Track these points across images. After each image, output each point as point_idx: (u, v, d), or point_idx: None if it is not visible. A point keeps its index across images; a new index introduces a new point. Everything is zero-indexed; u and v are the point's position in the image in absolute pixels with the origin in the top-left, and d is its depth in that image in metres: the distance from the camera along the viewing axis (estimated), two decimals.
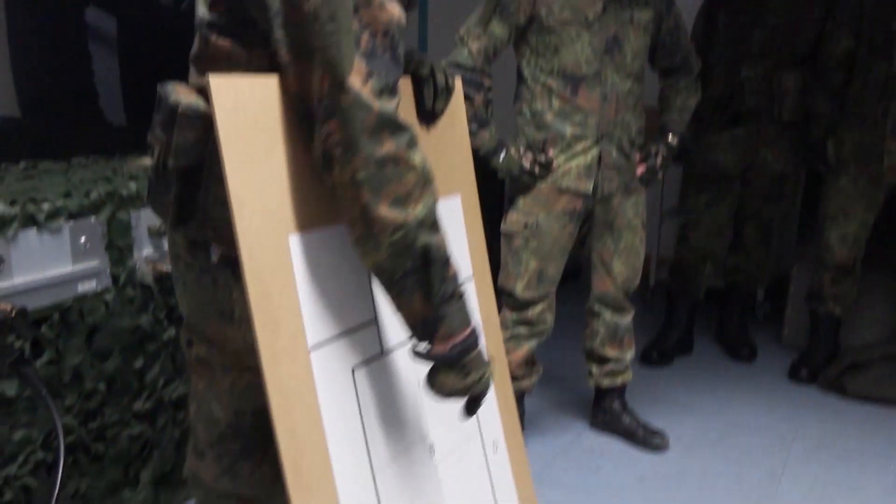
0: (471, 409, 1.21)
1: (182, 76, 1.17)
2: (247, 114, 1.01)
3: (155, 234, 1.93)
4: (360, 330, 1.17)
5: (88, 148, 2.47)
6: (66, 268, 1.76)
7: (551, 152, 2.22)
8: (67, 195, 1.79)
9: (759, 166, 3.02)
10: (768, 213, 3.13)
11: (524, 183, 2.26)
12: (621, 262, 2.38)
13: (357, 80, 0.98)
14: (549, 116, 2.21)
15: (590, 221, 2.36)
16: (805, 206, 3.40)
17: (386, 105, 1.00)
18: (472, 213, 1.50)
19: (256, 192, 1.02)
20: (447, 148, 1.41)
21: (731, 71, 2.95)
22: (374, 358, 1.20)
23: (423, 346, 1.12)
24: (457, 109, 1.44)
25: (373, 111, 0.98)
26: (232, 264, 1.08)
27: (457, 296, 1.10)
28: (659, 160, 2.35)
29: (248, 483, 1.25)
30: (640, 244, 2.40)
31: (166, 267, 1.95)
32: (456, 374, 1.11)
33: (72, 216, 1.77)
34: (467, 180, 1.49)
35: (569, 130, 2.21)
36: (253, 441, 1.24)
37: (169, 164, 1.08)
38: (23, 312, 1.66)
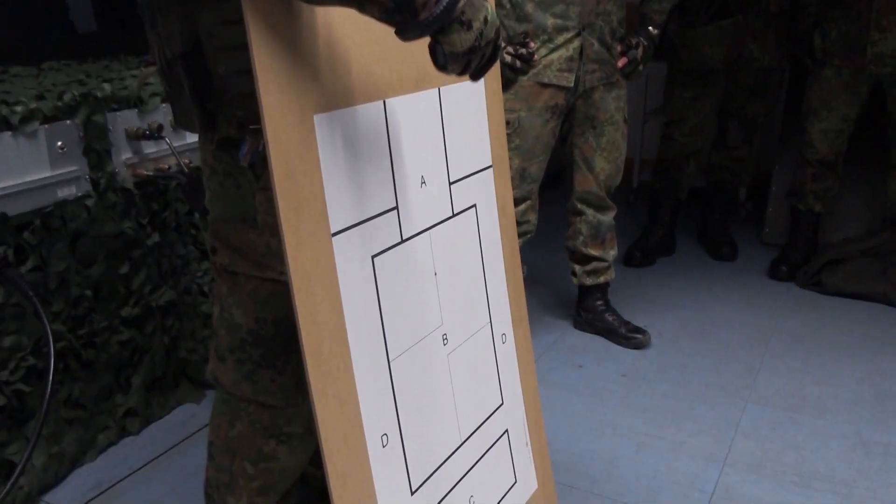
0: (483, 67, 1.08)
1: None
2: None
3: (133, 138, 1.96)
4: (380, 217, 1.21)
5: (57, 52, 2.46)
6: (44, 173, 1.80)
7: (532, 45, 2.25)
8: (41, 98, 1.81)
9: (746, 60, 3.07)
10: (753, 109, 3.20)
11: (505, 78, 2.28)
12: (603, 159, 2.45)
13: None
14: (529, 7, 2.24)
15: (571, 117, 2.42)
16: (788, 105, 3.47)
17: None
18: (494, 98, 1.50)
19: (282, 67, 1.02)
20: None
21: None
22: (394, 246, 1.25)
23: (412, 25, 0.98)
24: None
25: None
26: (257, 163, 1.12)
27: None
28: (640, 52, 2.39)
29: (268, 390, 1.29)
30: (622, 139, 2.47)
31: (147, 171, 2.00)
32: (457, 30, 1.00)
33: (46, 119, 1.79)
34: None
35: (550, 21, 2.24)
36: (273, 349, 1.27)
37: (167, 55, 1.10)
38: (3, 218, 1.71)
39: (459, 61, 1.03)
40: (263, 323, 1.26)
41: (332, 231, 1.12)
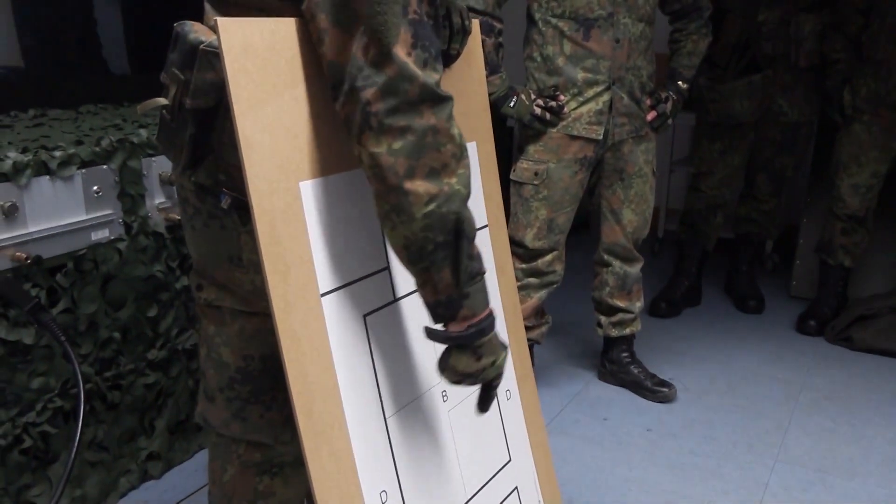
0: (484, 401, 1.26)
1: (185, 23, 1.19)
2: (256, 56, 1.04)
3: (166, 182, 2.02)
4: (371, 277, 1.23)
5: (93, 98, 2.54)
6: (79, 216, 1.85)
7: (562, 98, 2.30)
8: (79, 143, 1.88)
9: (774, 114, 3.11)
10: (781, 162, 3.23)
11: (535, 130, 2.35)
12: (631, 211, 2.49)
13: (402, 51, 1.01)
14: (560, 61, 2.29)
15: (599, 169, 2.46)
16: (816, 158, 3.50)
17: (430, 76, 1.03)
18: (487, 160, 1.55)
19: (266, 137, 1.07)
20: (463, 93, 1.45)
21: (748, 15, 3.03)
22: (387, 305, 1.27)
23: (440, 326, 1.16)
24: (474, 52, 1.47)
25: (416, 82, 1.02)
26: (240, 209, 1.14)
27: (480, 275, 1.13)
28: (669, 106, 2.44)
29: (257, 427, 1.31)
30: (650, 192, 2.50)
31: (178, 215, 2.05)
32: (468, 356, 1.16)
33: (84, 164, 1.85)
34: (483, 126, 1.54)
35: (580, 75, 2.29)
36: (262, 385, 1.29)
37: (186, 103, 1.13)
38: (38, 260, 1.76)
39: (453, 375, 1.19)
40: (251, 360, 1.28)
41: (322, 291, 1.14)
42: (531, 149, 2.37)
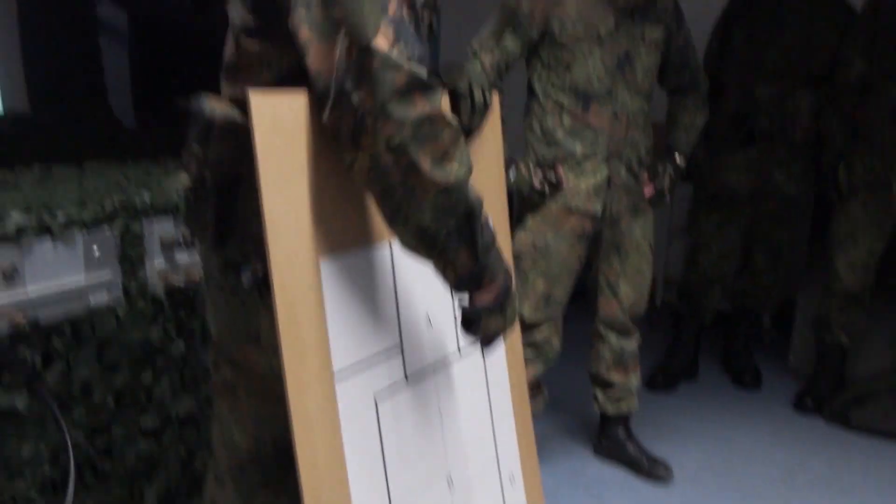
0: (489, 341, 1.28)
1: (193, 79, 1.23)
2: (284, 131, 1.07)
3: (167, 246, 2.03)
4: (384, 355, 1.25)
5: (97, 146, 2.57)
6: (78, 279, 1.86)
7: (561, 170, 2.34)
8: (82, 204, 1.89)
9: (771, 189, 3.16)
10: (778, 237, 3.27)
11: (533, 201, 2.38)
12: (628, 285, 2.50)
13: (384, 42, 1.00)
14: (559, 133, 2.34)
15: (597, 242, 2.48)
16: (813, 232, 3.54)
17: (416, 66, 1.02)
18: (501, 232, 1.57)
19: (291, 213, 1.09)
20: (479, 166, 1.46)
21: (746, 90, 3.10)
22: (398, 384, 1.28)
23: (466, 299, 1.19)
24: (492, 127, 1.50)
25: (402, 70, 1.00)
26: (261, 286, 1.15)
27: (494, 241, 1.17)
28: (667, 180, 2.48)
29: None
30: (647, 267, 2.53)
31: (177, 279, 2.06)
32: (497, 316, 1.20)
33: (86, 226, 1.87)
34: (498, 200, 1.56)
35: (579, 149, 2.33)
36: (272, 470, 1.28)
37: (207, 178, 1.15)
38: (35, 324, 1.76)
39: (487, 338, 1.23)
40: (263, 444, 1.27)
41: (336, 370, 1.15)
42: (529, 220, 2.40)
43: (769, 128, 3.08)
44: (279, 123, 1.06)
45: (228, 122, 1.13)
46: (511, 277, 1.23)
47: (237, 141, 1.12)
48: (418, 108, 1.02)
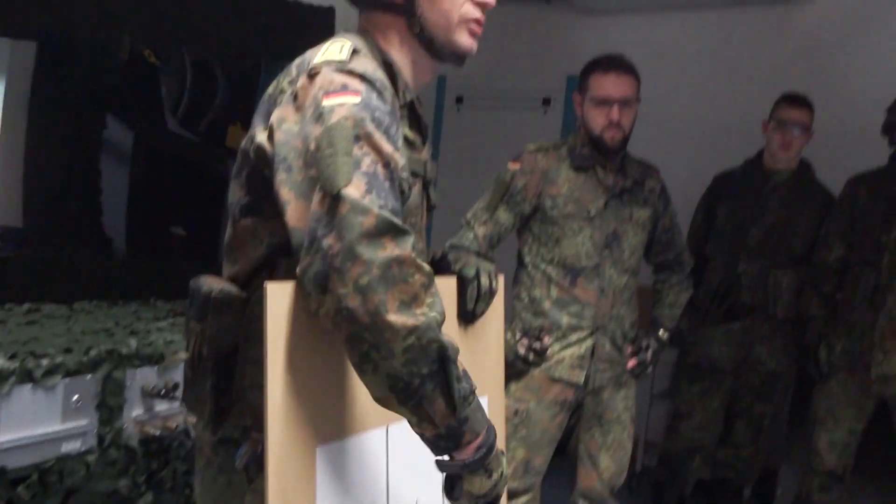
0: None
1: (189, 217, 1.27)
2: (294, 321, 1.09)
3: (147, 395, 2.03)
4: None
5: (89, 275, 2.61)
6: (54, 426, 1.85)
7: (546, 340, 2.37)
8: (68, 351, 1.91)
9: (753, 362, 3.19)
10: (759, 410, 3.27)
11: (517, 369, 2.40)
12: (608, 457, 2.49)
13: (354, 191, 1.03)
14: (546, 304, 2.39)
15: (578, 413, 2.49)
16: (794, 406, 3.55)
17: (388, 212, 1.04)
18: (497, 415, 1.58)
19: (293, 401, 1.10)
20: (480, 349, 1.50)
21: (729, 265, 3.18)
22: None
23: (446, 458, 1.14)
24: (496, 308, 1.52)
25: (371, 213, 1.02)
26: (250, 467, 1.16)
27: (472, 394, 1.11)
28: (650, 354, 2.51)
29: None
30: (627, 439, 2.52)
31: (154, 429, 2.04)
32: (481, 476, 1.14)
33: (69, 373, 1.87)
34: (496, 382, 1.58)
35: (565, 320, 2.37)
36: None
37: (204, 352, 1.18)
38: (2, 472, 1.74)
39: (470, 499, 1.17)
40: None
41: None
42: (513, 386, 2.41)
43: (751, 303, 3.15)
44: (291, 313, 1.09)
45: (225, 294, 1.17)
46: (496, 435, 1.17)
47: (234, 313, 1.16)
48: (387, 250, 1.02)
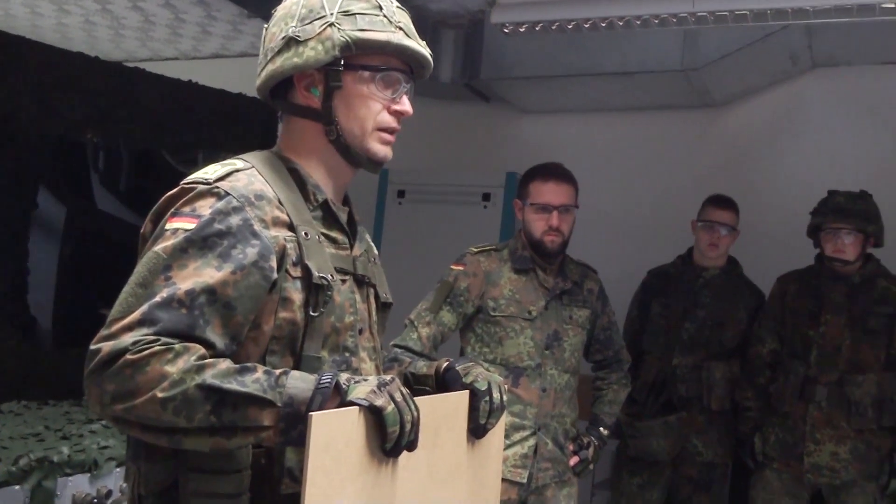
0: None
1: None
2: (335, 450, 1.07)
3: (80, 502, 1.96)
4: None
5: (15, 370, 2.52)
6: None
7: None
8: None
9: (690, 454, 3.25)
10: (698, 501, 3.31)
11: None
12: None
13: (118, 323, 1.10)
14: None
15: None
16: (732, 498, 3.60)
17: (126, 341, 1.07)
18: None
19: None
20: (482, 463, 1.47)
21: (664, 358, 3.27)
22: None
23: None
24: (500, 425, 1.50)
25: (101, 352, 1.07)
26: None
27: (269, 373, 1.11)
28: (591, 452, 2.56)
29: None
30: None
31: None
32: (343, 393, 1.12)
33: None
34: (492, 497, 1.55)
35: (507, 419, 2.39)
36: None
37: (141, 492, 1.18)
38: None
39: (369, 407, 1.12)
40: None
41: None
42: None
43: (687, 396, 3.23)
44: (332, 442, 1.07)
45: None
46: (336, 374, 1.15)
47: (163, 456, 1.16)
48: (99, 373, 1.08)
